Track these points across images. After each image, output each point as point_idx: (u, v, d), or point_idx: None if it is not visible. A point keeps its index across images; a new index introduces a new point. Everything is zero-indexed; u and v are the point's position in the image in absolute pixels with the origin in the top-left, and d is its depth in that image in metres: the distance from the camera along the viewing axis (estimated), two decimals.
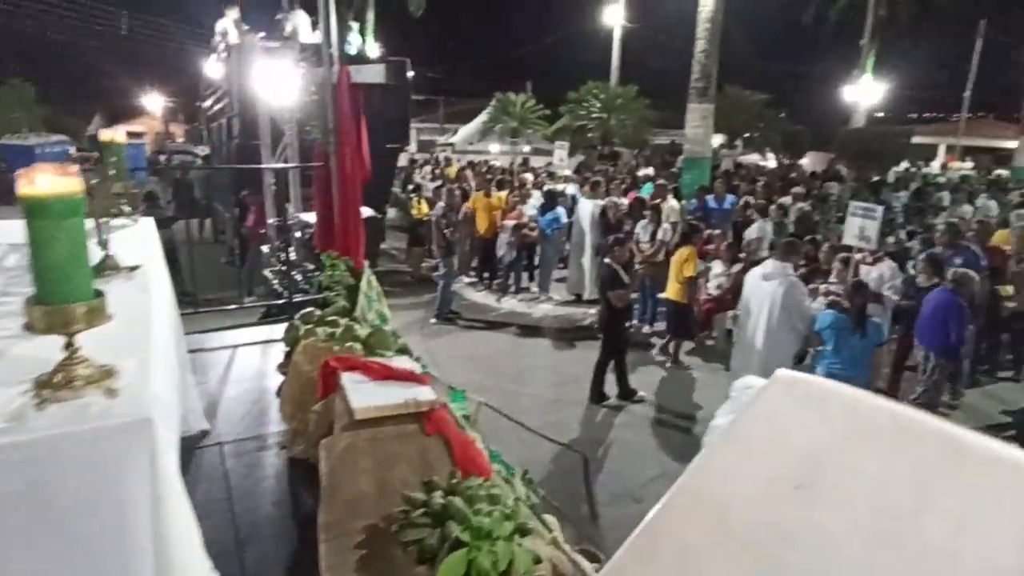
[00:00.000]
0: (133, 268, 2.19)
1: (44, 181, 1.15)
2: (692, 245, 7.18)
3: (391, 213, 15.61)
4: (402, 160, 22.09)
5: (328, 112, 4.25)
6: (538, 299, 9.65)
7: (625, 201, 10.14)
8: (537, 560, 1.78)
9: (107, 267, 2.13)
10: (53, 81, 29.14)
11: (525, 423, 5.71)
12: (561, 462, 5.30)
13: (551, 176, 13.38)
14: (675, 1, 13.76)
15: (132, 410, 1.23)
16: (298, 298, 5.20)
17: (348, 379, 2.43)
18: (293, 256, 5.89)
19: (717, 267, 7.86)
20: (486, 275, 10.29)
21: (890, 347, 6.14)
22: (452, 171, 15.46)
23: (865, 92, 23.73)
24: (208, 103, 12.15)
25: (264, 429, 3.22)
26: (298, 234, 6.03)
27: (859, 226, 5.68)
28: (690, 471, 1.02)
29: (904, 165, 21.12)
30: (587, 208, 9.55)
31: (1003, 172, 21.59)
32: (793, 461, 0.89)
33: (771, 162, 27.05)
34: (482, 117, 26.88)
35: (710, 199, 10.23)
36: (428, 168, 17.82)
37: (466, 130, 29.30)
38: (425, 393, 2.43)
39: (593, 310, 8.16)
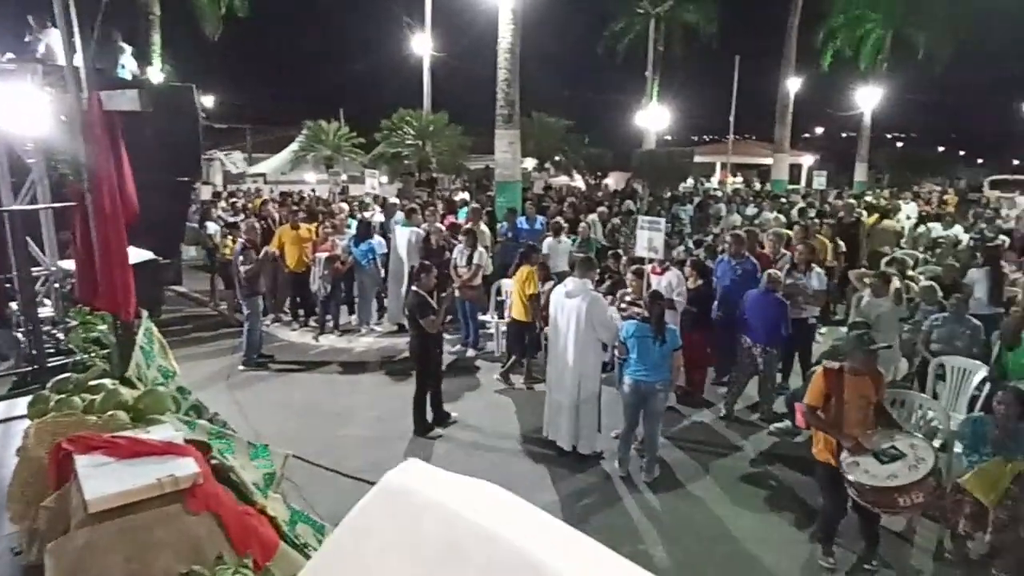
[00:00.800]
0: None
1: None
2: (531, 264, 7.35)
3: (191, 252, 14.23)
4: (206, 193, 20.37)
5: (80, 144, 3.67)
6: (359, 333, 9.27)
7: (444, 227, 10.16)
8: None
9: None
10: None
11: (344, 468, 5.40)
12: None
13: (364, 205, 13.08)
14: (478, 32, 14.26)
15: None
16: (56, 361, 4.42)
17: (85, 463, 2.03)
18: (50, 311, 5.02)
19: None
20: (301, 312, 9.68)
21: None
22: (258, 204, 14.48)
23: (653, 117, 26.41)
24: None
25: None
26: (56, 285, 5.15)
27: (648, 238, 6.19)
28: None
29: (690, 182, 23.80)
30: (404, 235, 9.42)
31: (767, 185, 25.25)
32: None
33: (579, 182, 29.04)
34: (293, 146, 25.76)
35: (522, 220, 10.60)
36: (232, 202, 16.47)
37: (278, 159, 27.82)
38: (186, 467, 2.09)
39: None
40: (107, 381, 3.17)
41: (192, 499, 2.04)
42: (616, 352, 5.77)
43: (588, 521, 4.81)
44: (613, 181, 29.82)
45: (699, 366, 6.96)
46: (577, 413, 5.54)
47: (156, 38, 19.75)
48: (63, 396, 2.89)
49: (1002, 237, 12.28)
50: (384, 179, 24.23)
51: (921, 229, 12.51)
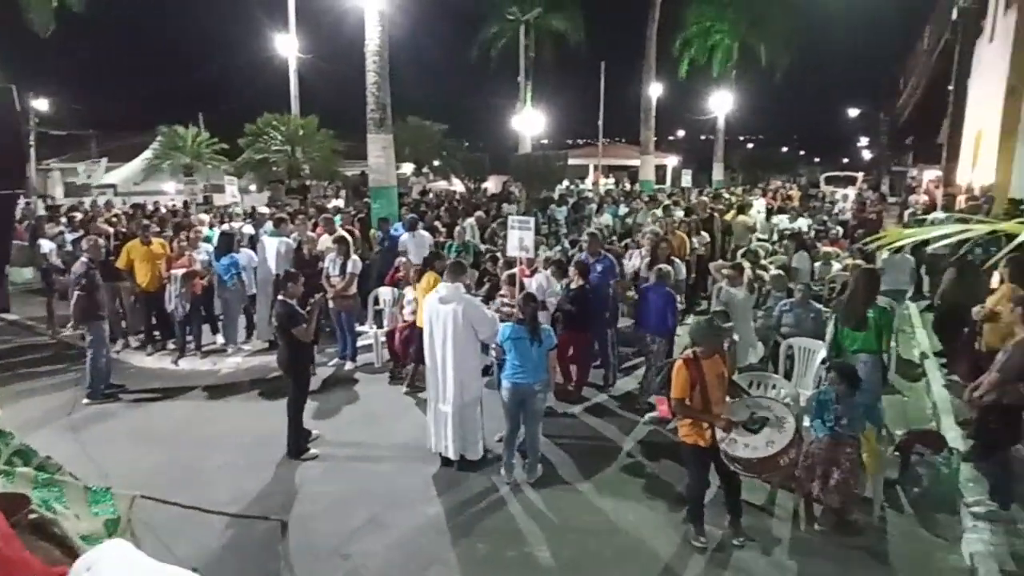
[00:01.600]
0: None
1: None
2: (437, 271, 7.18)
3: (25, 275, 12.67)
4: (41, 208, 18.19)
5: None
6: (225, 353, 8.63)
7: (316, 236, 9.72)
8: None
9: None
10: None
11: (210, 501, 4.96)
12: (257, 536, 4.69)
13: (229, 216, 12.25)
14: (347, 33, 13.78)
15: None
16: None
17: None
18: None
19: (410, 293, 7.95)
20: (157, 335, 8.86)
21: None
22: (105, 217, 13.12)
23: (528, 122, 26.97)
24: None
25: None
26: None
27: (519, 237, 6.24)
28: None
29: (565, 183, 24.53)
30: (273, 246, 8.89)
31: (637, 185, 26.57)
32: None
33: (459, 186, 29.07)
34: (147, 154, 23.69)
35: (398, 227, 10.37)
36: (71, 216, 14.82)
37: (129, 169, 25.39)
38: None
39: None
40: None
41: None
42: (495, 355, 5.76)
43: (474, 528, 4.76)
44: (492, 185, 30.14)
45: (578, 364, 7.12)
46: (461, 420, 5.47)
47: None
48: None
49: (838, 228, 13.71)
50: (252, 187, 22.94)
51: (775, 221, 13.69)
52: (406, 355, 7.51)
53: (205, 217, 12.00)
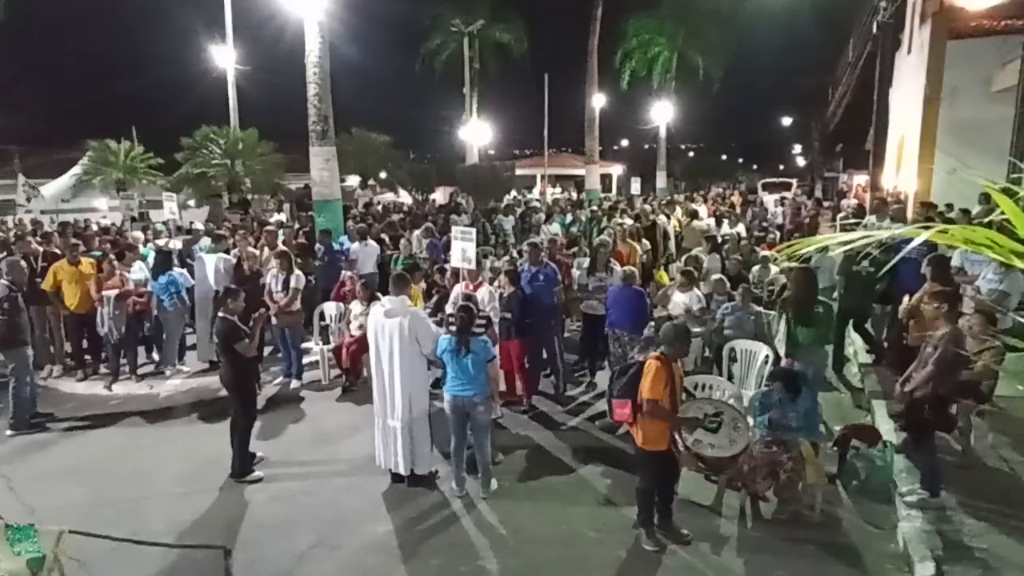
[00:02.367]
0: None
1: None
2: (415, 282, 7.25)
3: None
4: None
5: None
6: (164, 376, 8.28)
7: (257, 251, 9.47)
8: None
9: None
10: None
11: (147, 532, 4.78)
12: (200, 565, 4.49)
13: (156, 232, 11.80)
14: (288, 45, 13.52)
15: None
16: None
17: None
18: None
19: (356, 307, 7.83)
20: (89, 360, 8.42)
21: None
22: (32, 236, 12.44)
23: (474, 132, 27.06)
24: None
25: None
26: None
27: (461, 249, 6.21)
28: None
29: (512, 193, 24.66)
30: (211, 263, 8.62)
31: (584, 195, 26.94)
32: None
33: (406, 198, 28.86)
34: (76, 169, 22.63)
35: (344, 240, 10.21)
36: None
37: (56, 185, 24.14)
38: None
39: None
40: None
41: None
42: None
43: (425, 544, 4.68)
44: (440, 196, 30.04)
45: (522, 373, 7.12)
46: (411, 434, 5.38)
47: None
48: None
49: (775, 232, 14.23)
50: (191, 202, 22.18)
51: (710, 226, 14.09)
52: (356, 369, 7.37)
53: (139, 235, 11.52)
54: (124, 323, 7.81)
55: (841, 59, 26.50)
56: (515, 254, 11.30)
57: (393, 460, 5.46)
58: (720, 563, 4.39)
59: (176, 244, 10.25)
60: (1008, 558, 4.14)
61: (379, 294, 7.08)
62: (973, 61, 14.63)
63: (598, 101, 27.95)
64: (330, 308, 8.44)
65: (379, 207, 20.76)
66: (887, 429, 5.89)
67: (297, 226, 12.04)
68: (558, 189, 32.11)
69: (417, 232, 11.96)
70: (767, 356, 6.30)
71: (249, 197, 19.86)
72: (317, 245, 10.16)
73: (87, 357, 8.43)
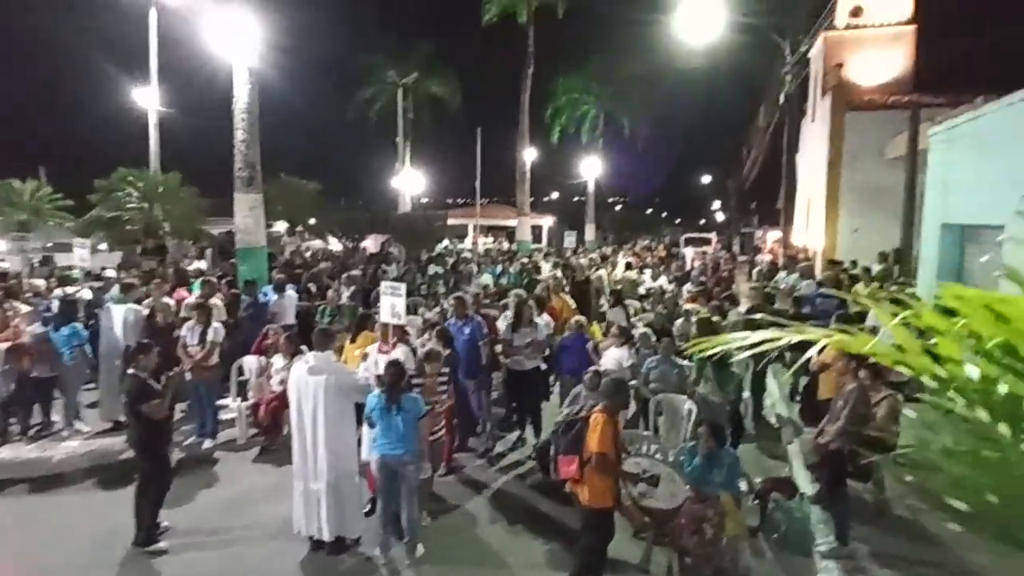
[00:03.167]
0: None
1: None
2: (367, 330, 7.21)
3: None
4: None
5: None
6: (60, 436, 7.61)
7: (172, 302, 9.00)
8: None
9: None
10: None
11: None
12: None
13: (66, 279, 11.07)
14: (216, 89, 13.23)
15: None
16: None
17: None
18: None
19: (279, 361, 7.52)
20: None
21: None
22: None
23: (407, 181, 27.15)
24: None
25: None
26: None
27: (391, 303, 6.12)
28: None
29: (445, 242, 24.73)
30: (119, 314, 8.10)
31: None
32: None
33: (336, 245, 28.38)
34: None
35: (267, 290, 9.87)
36: None
37: None
38: None
39: None
40: None
41: None
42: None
43: None
44: (371, 244, 29.72)
45: (447, 430, 6.95)
46: (337, 495, 5.12)
47: None
48: None
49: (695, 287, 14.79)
50: (102, 246, 20.96)
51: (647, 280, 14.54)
52: (274, 428, 7.01)
53: (40, 282, 10.74)
54: (15, 380, 7.18)
55: (755, 123, 28.44)
56: (445, 305, 11.26)
57: (316, 525, 5.17)
58: None
59: (86, 294, 9.60)
60: None
61: (304, 348, 6.82)
62: (869, 131, 16.10)
63: (529, 155, 28.71)
64: (250, 362, 8.06)
65: (308, 254, 20.29)
66: (804, 481, 6.10)
67: (219, 273, 11.53)
68: (490, 239, 32.45)
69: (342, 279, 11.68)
70: (689, 410, 6.44)
71: (167, 243, 18.93)
72: (242, 295, 9.76)
73: None
